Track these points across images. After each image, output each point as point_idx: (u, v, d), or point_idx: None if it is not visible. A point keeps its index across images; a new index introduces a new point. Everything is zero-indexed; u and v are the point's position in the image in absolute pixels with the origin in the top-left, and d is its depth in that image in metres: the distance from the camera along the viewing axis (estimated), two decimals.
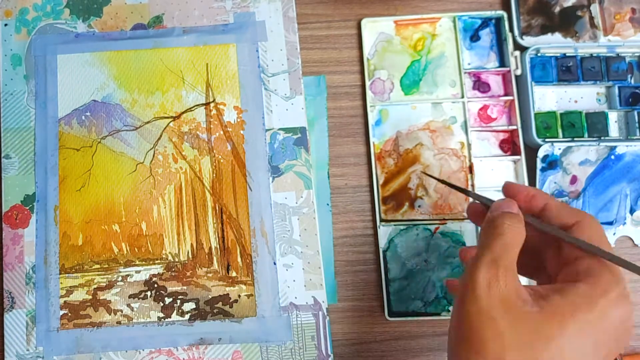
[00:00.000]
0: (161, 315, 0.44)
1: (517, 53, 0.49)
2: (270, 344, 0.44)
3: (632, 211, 0.47)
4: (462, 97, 0.49)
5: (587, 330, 0.30)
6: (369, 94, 0.49)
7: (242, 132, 0.47)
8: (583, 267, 0.33)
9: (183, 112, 0.48)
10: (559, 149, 0.47)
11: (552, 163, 0.47)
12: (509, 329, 0.31)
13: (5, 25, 0.49)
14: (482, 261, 0.33)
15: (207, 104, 0.48)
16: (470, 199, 0.35)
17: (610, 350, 0.31)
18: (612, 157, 0.47)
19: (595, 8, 0.50)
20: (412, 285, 0.47)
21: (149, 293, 0.45)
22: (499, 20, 0.50)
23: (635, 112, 0.48)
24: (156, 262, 0.45)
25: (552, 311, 0.31)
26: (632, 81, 0.49)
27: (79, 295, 0.45)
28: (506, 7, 0.51)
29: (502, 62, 0.50)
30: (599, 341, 0.31)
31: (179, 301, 0.45)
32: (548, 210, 0.36)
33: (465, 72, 0.49)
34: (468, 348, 0.31)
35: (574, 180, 0.47)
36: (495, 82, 0.50)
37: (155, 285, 0.45)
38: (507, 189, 0.38)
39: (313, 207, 0.46)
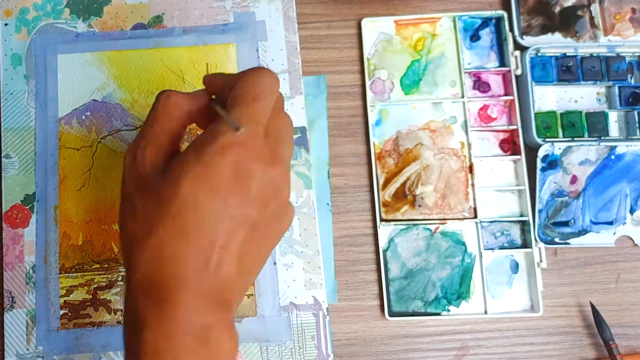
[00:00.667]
0: None
1: (517, 53, 0.49)
2: (270, 343, 0.44)
3: (632, 211, 0.47)
4: (462, 97, 0.49)
5: (202, 184, 0.28)
6: (369, 93, 0.49)
7: None
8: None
9: None
10: (559, 148, 0.47)
11: (552, 163, 0.47)
12: (140, 201, 0.30)
13: (6, 24, 0.49)
14: (133, 142, 0.32)
15: None
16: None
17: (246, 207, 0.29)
18: (612, 157, 0.47)
19: (595, 8, 0.50)
20: (412, 285, 0.47)
21: None
22: (499, 20, 0.50)
23: (636, 112, 0.48)
24: None
25: (169, 170, 0.29)
26: (632, 81, 0.49)
27: (79, 295, 0.45)
28: (506, 7, 0.51)
29: (502, 62, 0.50)
30: (221, 192, 0.28)
31: None
32: (223, 85, 0.33)
33: (465, 72, 0.49)
34: (119, 225, 0.31)
35: (574, 180, 0.47)
36: (495, 82, 0.50)
37: None
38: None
39: (313, 207, 0.46)
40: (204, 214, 0.29)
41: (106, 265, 0.45)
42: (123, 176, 0.32)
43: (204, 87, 0.35)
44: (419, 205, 0.47)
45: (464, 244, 0.47)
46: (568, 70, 0.49)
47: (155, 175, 0.30)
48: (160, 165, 0.31)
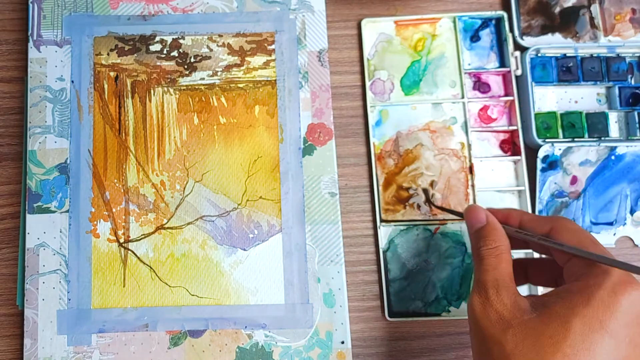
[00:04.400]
0: None
1: (518, 53, 0.49)
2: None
3: (632, 211, 0.47)
4: (463, 97, 0.49)
5: (595, 325, 0.30)
6: (369, 94, 0.49)
7: None
8: (572, 270, 0.33)
9: None
10: (559, 149, 0.47)
11: (552, 163, 0.47)
12: (512, 342, 0.31)
13: None
14: (472, 289, 0.35)
15: None
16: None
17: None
18: (613, 157, 0.47)
19: (595, 8, 0.50)
20: (412, 285, 0.47)
21: None
22: (499, 21, 0.50)
23: (636, 113, 0.48)
24: None
25: (550, 313, 0.31)
26: (633, 81, 0.49)
27: None
28: (506, 7, 0.51)
29: (503, 62, 0.50)
30: (616, 332, 0.30)
31: None
32: (524, 224, 0.37)
33: (465, 73, 0.49)
34: None
35: (574, 180, 0.47)
36: (495, 83, 0.50)
37: None
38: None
39: None
40: (596, 352, 0.30)
41: None
42: (476, 322, 0.33)
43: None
44: (419, 206, 0.47)
45: (464, 244, 0.47)
46: (568, 71, 0.49)
47: (525, 316, 0.31)
48: (523, 306, 0.32)
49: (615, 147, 0.47)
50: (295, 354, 0.44)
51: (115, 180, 0.46)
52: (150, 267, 0.45)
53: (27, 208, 0.45)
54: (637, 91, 0.48)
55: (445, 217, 0.47)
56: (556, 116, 0.48)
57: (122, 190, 0.46)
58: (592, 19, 0.50)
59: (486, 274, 0.34)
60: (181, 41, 0.48)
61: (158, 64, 0.48)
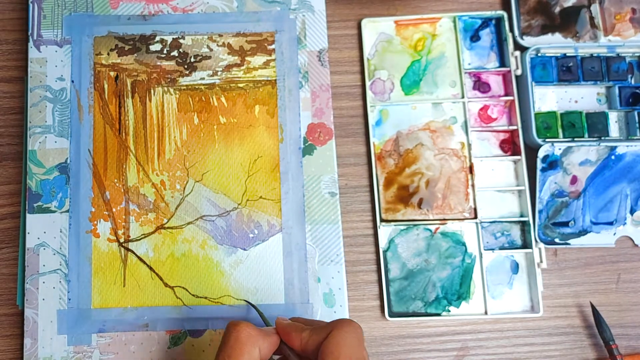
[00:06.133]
0: None
1: (518, 53, 0.49)
2: None
3: (632, 211, 0.47)
4: (463, 97, 0.49)
5: None
6: (369, 94, 0.49)
7: None
8: None
9: None
10: (559, 149, 0.47)
11: (552, 163, 0.47)
12: None
13: None
14: None
15: None
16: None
17: None
18: (613, 157, 0.47)
19: (595, 8, 0.50)
20: (412, 285, 0.47)
21: None
22: (499, 20, 0.50)
23: (636, 112, 0.48)
24: None
25: None
26: (633, 81, 0.49)
27: None
28: (506, 7, 0.51)
29: (503, 62, 0.50)
30: None
31: None
32: (304, 341, 0.36)
33: (465, 72, 0.49)
34: None
35: (574, 180, 0.47)
36: (495, 82, 0.50)
37: None
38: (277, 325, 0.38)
39: None
40: None
41: None
42: None
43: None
44: (419, 205, 0.47)
45: (464, 244, 0.47)
46: (568, 71, 0.49)
47: None
48: None
49: (615, 147, 0.47)
50: None
51: (115, 180, 0.46)
52: (151, 267, 0.45)
53: (27, 208, 0.45)
54: (637, 91, 0.48)
55: (445, 217, 0.47)
56: (556, 116, 0.48)
57: (122, 190, 0.46)
58: (592, 18, 0.50)
59: None
60: (181, 41, 0.48)
61: (158, 63, 0.48)
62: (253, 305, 0.42)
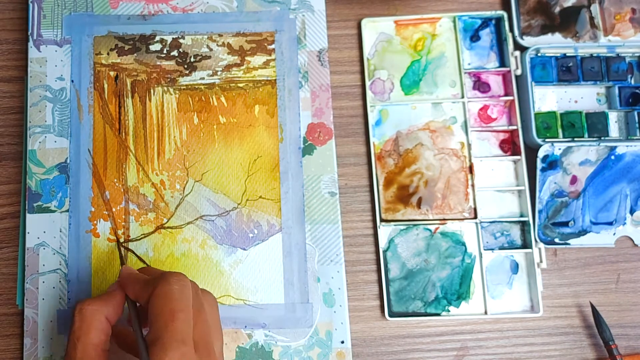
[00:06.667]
0: None
1: (517, 53, 0.49)
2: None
3: (632, 211, 0.47)
4: (462, 97, 0.49)
5: None
6: (369, 94, 0.49)
7: None
8: None
9: None
10: (559, 149, 0.47)
11: (552, 163, 0.47)
12: None
13: None
14: None
15: None
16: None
17: None
18: (612, 157, 0.47)
19: (595, 8, 0.50)
20: (412, 285, 0.47)
21: None
22: (499, 20, 0.50)
23: (636, 112, 0.48)
24: None
25: None
26: (632, 81, 0.49)
27: None
28: (506, 7, 0.51)
29: (502, 62, 0.50)
30: None
31: None
32: (137, 293, 0.36)
33: (465, 72, 0.49)
34: None
35: (574, 180, 0.47)
36: (495, 82, 0.50)
37: None
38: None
39: None
40: None
41: None
42: None
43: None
44: (418, 205, 0.47)
45: (464, 244, 0.47)
46: (568, 71, 0.49)
47: None
48: None
49: (615, 147, 0.47)
50: (295, 354, 0.44)
51: (115, 180, 0.46)
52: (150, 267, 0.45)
53: (27, 207, 0.45)
54: (637, 91, 0.48)
55: (444, 217, 0.47)
56: (556, 116, 0.48)
57: (122, 190, 0.46)
58: (592, 18, 0.50)
59: (70, 351, 0.34)
60: (181, 41, 0.48)
61: (158, 63, 0.48)
62: (120, 249, 0.43)
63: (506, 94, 0.49)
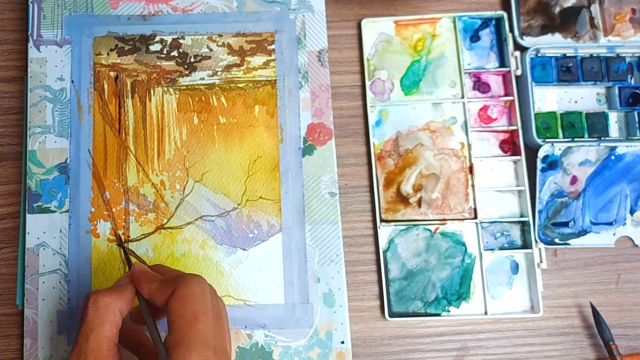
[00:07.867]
0: None
1: (517, 53, 0.49)
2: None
3: (632, 211, 0.47)
4: (462, 97, 0.49)
5: None
6: (369, 94, 0.49)
7: None
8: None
9: None
10: (559, 149, 0.47)
11: (552, 163, 0.47)
12: None
13: None
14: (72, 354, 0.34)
15: None
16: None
17: None
18: (612, 157, 0.47)
19: (595, 8, 0.50)
20: (412, 285, 0.47)
21: None
22: (499, 21, 0.50)
23: (636, 113, 0.48)
24: None
25: None
26: (632, 81, 0.49)
27: None
28: (506, 7, 0.51)
29: (502, 62, 0.50)
30: None
31: None
32: (152, 292, 0.35)
33: (465, 73, 0.49)
34: None
35: (574, 180, 0.47)
36: (495, 83, 0.50)
37: None
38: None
39: None
40: None
41: None
42: None
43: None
44: (417, 204, 0.47)
45: (464, 244, 0.47)
46: (568, 71, 0.49)
47: None
48: None
49: (615, 147, 0.47)
50: (295, 354, 0.44)
51: (115, 180, 0.46)
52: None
53: (27, 208, 0.45)
54: (637, 91, 0.48)
55: (444, 217, 0.47)
56: (556, 116, 0.48)
57: (122, 190, 0.46)
58: (592, 19, 0.50)
59: (82, 337, 0.34)
60: (181, 41, 0.48)
61: (158, 63, 0.48)
62: (124, 247, 0.43)
63: (506, 94, 0.49)
